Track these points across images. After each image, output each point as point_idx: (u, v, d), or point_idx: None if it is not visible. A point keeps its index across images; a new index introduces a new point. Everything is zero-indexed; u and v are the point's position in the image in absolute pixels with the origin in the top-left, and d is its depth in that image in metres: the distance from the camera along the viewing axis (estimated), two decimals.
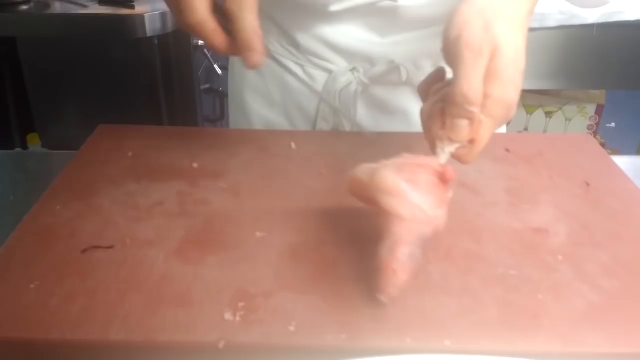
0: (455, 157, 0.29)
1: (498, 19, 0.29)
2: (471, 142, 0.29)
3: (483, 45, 0.28)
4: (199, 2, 0.29)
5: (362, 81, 0.45)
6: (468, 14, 0.29)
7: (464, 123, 0.28)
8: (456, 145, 0.29)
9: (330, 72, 0.46)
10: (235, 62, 0.53)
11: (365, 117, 0.47)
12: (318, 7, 0.42)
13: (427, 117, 0.31)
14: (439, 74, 0.33)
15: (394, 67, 0.43)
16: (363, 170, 0.27)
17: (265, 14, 0.47)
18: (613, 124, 1.16)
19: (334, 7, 0.41)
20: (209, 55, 1.04)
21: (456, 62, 0.28)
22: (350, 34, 0.44)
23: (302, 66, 0.47)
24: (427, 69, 0.44)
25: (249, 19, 0.29)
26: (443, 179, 0.26)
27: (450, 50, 0.29)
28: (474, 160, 0.30)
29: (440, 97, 0.30)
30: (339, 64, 0.45)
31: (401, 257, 0.23)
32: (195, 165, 0.38)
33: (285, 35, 0.46)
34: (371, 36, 0.44)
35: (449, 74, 0.32)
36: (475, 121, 0.28)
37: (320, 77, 0.46)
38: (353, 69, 0.45)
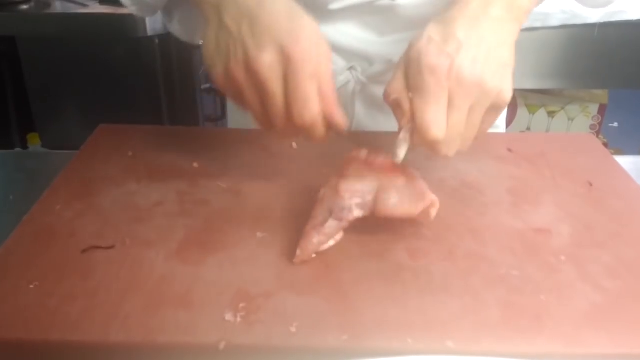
0: (429, 149, 0.30)
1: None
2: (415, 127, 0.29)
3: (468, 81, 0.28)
4: (316, 99, 0.28)
5: (360, 80, 0.45)
6: (432, 37, 0.29)
7: (397, 111, 0.30)
8: (406, 141, 0.30)
9: None
10: None
11: (363, 116, 0.47)
12: (317, 6, 0.42)
13: (391, 92, 0.30)
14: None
15: (392, 66, 0.43)
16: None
17: None
18: (616, 124, 1.15)
19: (333, 6, 0.41)
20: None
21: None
22: (348, 33, 0.44)
23: None
24: None
25: (319, 134, 0.30)
26: (369, 165, 0.29)
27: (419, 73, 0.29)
28: (428, 138, 0.29)
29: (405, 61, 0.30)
30: (337, 63, 0.45)
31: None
32: (195, 165, 0.38)
33: None
34: (369, 35, 0.44)
35: None
36: (403, 104, 0.29)
37: None
38: (351, 68, 0.45)
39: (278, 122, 0.29)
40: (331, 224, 0.28)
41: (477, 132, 0.30)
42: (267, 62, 0.27)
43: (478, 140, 0.31)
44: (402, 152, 0.30)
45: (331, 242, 0.29)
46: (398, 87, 0.30)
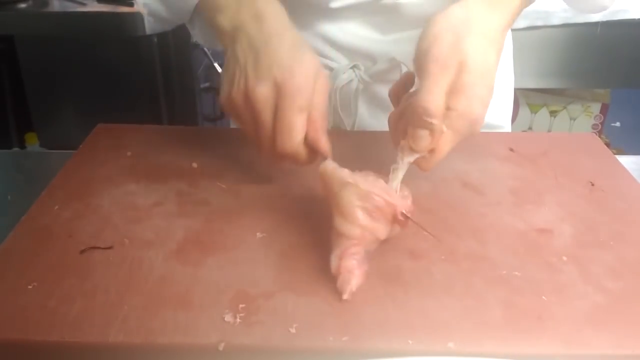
0: (415, 163, 0.31)
1: (470, 34, 0.30)
2: (431, 151, 0.31)
3: (449, 61, 0.29)
4: (299, 130, 0.30)
5: (362, 79, 0.44)
6: (440, 27, 0.30)
7: (424, 133, 0.30)
8: (416, 156, 0.31)
9: (331, 69, 0.45)
10: None
11: (365, 115, 0.47)
12: (319, 4, 0.42)
13: (394, 123, 0.32)
14: (409, 78, 0.34)
15: (395, 65, 0.43)
16: (335, 175, 0.29)
17: None
18: (618, 123, 1.15)
19: (335, 4, 0.41)
20: (208, 53, 1.03)
21: (422, 74, 0.30)
22: (351, 31, 0.44)
23: None
24: None
25: (302, 161, 0.32)
26: (393, 218, 0.28)
27: (419, 62, 0.30)
28: (431, 168, 0.31)
29: (406, 105, 0.31)
30: (340, 62, 0.45)
31: (349, 262, 0.27)
32: (194, 165, 0.37)
33: None
34: (372, 33, 0.44)
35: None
36: (436, 132, 0.29)
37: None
38: (354, 67, 0.45)
39: (264, 148, 0.31)
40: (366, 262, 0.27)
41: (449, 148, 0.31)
42: (262, 94, 0.30)
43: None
44: (397, 182, 0.30)
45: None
46: (440, 113, 0.30)
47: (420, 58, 0.30)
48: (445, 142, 0.30)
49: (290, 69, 0.29)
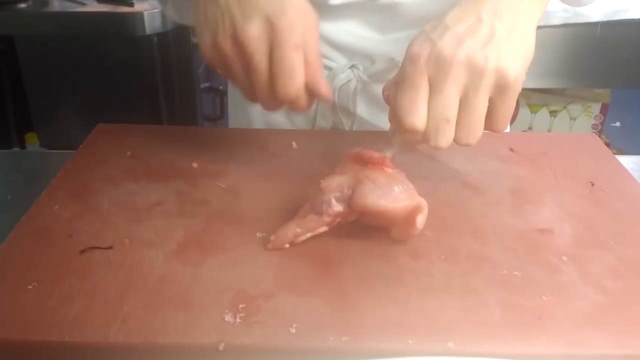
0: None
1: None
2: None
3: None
4: (301, 70, 0.28)
5: (361, 78, 0.44)
6: (434, 31, 0.28)
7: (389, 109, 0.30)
8: (395, 137, 0.30)
9: (329, 69, 0.45)
10: None
11: (364, 115, 0.47)
12: (318, 1, 0.42)
13: (391, 94, 0.30)
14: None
15: (394, 65, 0.43)
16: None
17: None
18: (618, 123, 1.15)
19: (334, 1, 0.41)
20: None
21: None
22: (350, 31, 0.43)
23: None
24: None
25: (303, 106, 0.30)
26: (357, 159, 0.29)
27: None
28: (404, 127, 0.28)
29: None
30: (339, 61, 0.45)
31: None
32: (194, 164, 0.37)
33: None
34: (371, 33, 0.43)
35: None
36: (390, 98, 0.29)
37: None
38: (353, 66, 0.44)
39: (262, 95, 0.29)
40: (311, 217, 0.28)
41: (481, 118, 0.28)
42: (254, 33, 0.27)
43: (495, 129, 0.28)
44: (390, 152, 0.30)
45: (308, 234, 0.28)
46: (390, 83, 0.30)
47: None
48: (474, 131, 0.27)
49: (280, 4, 0.27)
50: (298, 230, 0.28)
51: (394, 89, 0.29)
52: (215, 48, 0.29)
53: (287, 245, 0.29)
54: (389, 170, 0.29)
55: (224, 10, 0.28)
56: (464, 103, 0.28)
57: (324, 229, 0.29)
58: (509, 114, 0.29)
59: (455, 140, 0.29)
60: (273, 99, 0.29)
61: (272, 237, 0.28)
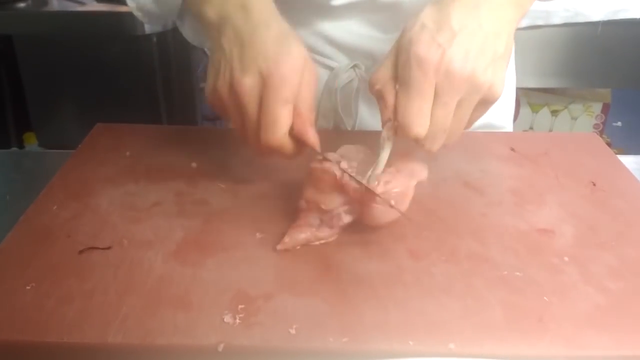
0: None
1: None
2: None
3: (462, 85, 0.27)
4: (283, 123, 0.29)
5: (363, 78, 0.44)
6: (427, 31, 0.28)
7: (380, 104, 0.29)
8: (388, 149, 0.30)
9: (331, 68, 0.45)
10: None
11: (366, 115, 0.46)
12: (320, 1, 0.41)
13: (381, 85, 0.30)
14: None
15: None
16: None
17: None
18: (619, 123, 1.15)
19: (336, 2, 0.41)
20: (208, 53, 1.03)
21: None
22: (351, 30, 0.43)
23: None
24: None
25: (288, 154, 0.31)
26: (343, 189, 0.30)
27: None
28: (409, 135, 0.29)
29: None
30: (340, 61, 0.45)
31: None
32: (194, 164, 0.37)
33: None
34: (373, 32, 0.43)
35: None
36: (387, 98, 0.29)
37: (321, 74, 0.46)
38: (354, 66, 0.44)
39: (251, 140, 0.31)
40: (324, 230, 0.30)
41: (464, 127, 0.30)
42: (248, 85, 0.29)
43: (462, 133, 0.30)
44: (385, 154, 0.30)
45: (321, 241, 0.30)
46: (384, 77, 0.29)
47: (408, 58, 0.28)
48: (404, 101, 0.28)
49: (275, 60, 0.29)
50: (310, 237, 0.29)
51: (390, 84, 0.29)
52: (214, 92, 0.31)
53: (298, 247, 0.29)
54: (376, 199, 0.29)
55: (228, 59, 0.30)
56: (456, 112, 0.29)
57: (334, 237, 0.30)
58: (477, 120, 0.31)
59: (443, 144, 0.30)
60: (260, 146, 0.31)
61: (286, 239, 0.29)
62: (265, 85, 0.29)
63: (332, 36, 0.44)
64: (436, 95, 0.28)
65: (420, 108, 0.28)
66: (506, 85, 0.52)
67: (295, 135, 0.30)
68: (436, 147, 0.29)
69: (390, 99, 0.29)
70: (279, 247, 0.29)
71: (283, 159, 0.32)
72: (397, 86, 0.29)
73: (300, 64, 0.30)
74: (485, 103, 0.29)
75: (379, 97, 0.30)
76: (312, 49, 0.45)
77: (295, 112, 0.30)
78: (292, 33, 0.31)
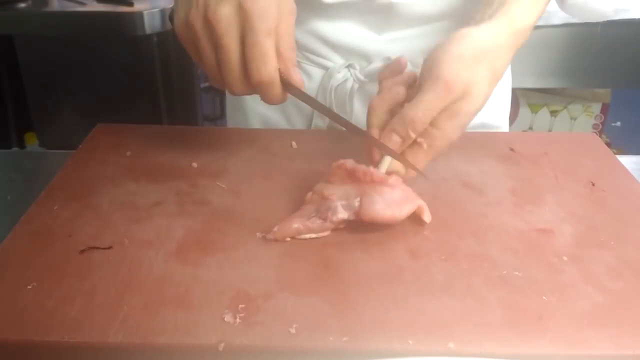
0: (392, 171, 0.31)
1: (485, 65, 0.30)
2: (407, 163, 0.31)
3: (458, 86, 0.29)
4: (272, 58, 0.28)
5: (358, 78, 0.44)
6: (465, 48, 0.30)
7: (396, 139, 0.30)
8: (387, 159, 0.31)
9: (326, 68, 0.45)
10: None
11: (361, 114, 0.46)
12: (313, 0, 0.41)
13: (373, 109, 0.32)
14: (400, 64, 0.34)
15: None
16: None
17: None
18: (618, 123, 1.15)
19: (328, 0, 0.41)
20: None
21: (427, 86, 0.29)
22: (346, 31, 0.43)
23: (298, 62, 0.46)
24: None
25: (277, 94, 0.29)
26: (353, 174, 0.30)
27: (429, 71, 0.30)
28: (407, 178, 0.31)
29: (392, 96, 0.31)
30: (335, 61, 0.45)
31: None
32: (194, 164, 0.37)
33: None
34: (367, 33, 0.43)
35: (411, 67, 0.33)
36: (406, 142, 0.30)
37: (316, 74, 0.46)
38: (349, 66, 0.44)
39: (231, 78, 0.28)
40: (315, 221, 0.29)
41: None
42: (224, 14, 0.27)
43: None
44: (384, 168, 0.31)
45: (311, 235, 0.29)
46: (400, 83, 0.31)
47: (432, 69, 0.29)
48: (422, 156, 0.31)
49: None
50: (301, 227, 0.29)
51: (405, 93, 0.30)
52: (186, 25, 0.28)
53: (287, 239, 0.29)
54: (388, 183, 0.30)
55: None
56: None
57: (326, 233, 0.30)
58: None
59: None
60: (245, 83, 0.28)
61: (275, 228, 0.29)
62: (245, 15, 0.27)
63: (327, 36, 0.44)
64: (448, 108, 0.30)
65: (428, 105, 0.29)
66: (502, 85, 0.52)
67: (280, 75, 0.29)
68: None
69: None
70: (269, 236, 0.29)
71: (268, 99, 0.29)
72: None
73: None
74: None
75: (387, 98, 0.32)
76: (307, 48, 0.45)
77: (277, 51, 0.28)
78: None
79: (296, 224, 0.29)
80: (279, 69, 0.29)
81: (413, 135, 0.29)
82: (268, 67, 0.28)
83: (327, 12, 0.42)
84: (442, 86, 0.29)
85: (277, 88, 0.29)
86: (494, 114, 0.49)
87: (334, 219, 0.29)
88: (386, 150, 0.31)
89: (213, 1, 0.27)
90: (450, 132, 0.30)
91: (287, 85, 0.29)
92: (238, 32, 0.27)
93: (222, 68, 0.28)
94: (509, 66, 0.50)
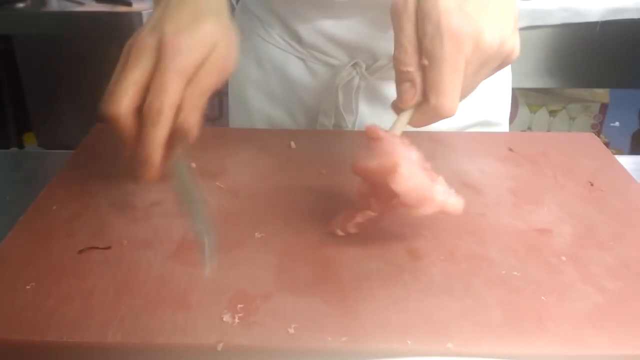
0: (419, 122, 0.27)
1: (490, 4, 0.26)
2: (426, 100, 0.26)
3: (466, 40, 0.25)
4: (174, 92, 0.27)
5: (364, 76, 0.44)
6: None
7: (405, 86, 0.26)
8: (408, 113, 0.27)
9: (332, 66, 0.45)
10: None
11: (366, 112, 0.46)
12: None
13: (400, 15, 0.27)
14: None
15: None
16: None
17: (268, 7, 0.46)
18: (617, 123, 1.15)
19: None
20: None
21: (393, 25, 0.26)
22: (352, 28, 0.43)
23: (304, 60, 0.46)
24: None
25: (158, 136, 0.27)
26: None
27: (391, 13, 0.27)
28: (440, 115, 0.26)
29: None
30: (341, 59, 0.45)
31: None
32: (194, 165, 0.37)
33: (288, 28, 0.46)
34: (373, 30, 0.43)
35: None
36: (416, 80, 0.26)
37: (322, 72, 0.46)
38: (355, 64, 0.44)
39: (122, 93, 0.27)
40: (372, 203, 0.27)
41: (476, 87, 0.28)
42: (147, 43, 0.27)
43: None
44: (400, 130, 0.28)
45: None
46: (411, 56, 0.26)
47: (427, 24, 0.25)
48: (437, 74, 0.25)
49: (179, 29, 0.27)
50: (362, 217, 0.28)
51: (419, 66, 0.26)
52: (128, 43, 0.29)
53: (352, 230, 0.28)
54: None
55: (151, 16, 0.29)
56: (474, 77, 0.27)
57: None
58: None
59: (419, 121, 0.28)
60: (134, 107, 0.28)
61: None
62: (162, 50, 0.27)
63: (334, 34, 0.44)
64: (467, 66, 0.26)
65: (454, 85, 0.25)
66: (502, 82, 0.52)
67: (176, 124, 0.27)
68: (453, 113, 0.26)
69: (420, 81, 0.26)
70: (338, 231, 0.28)
71: (146, 145, 0.27)
72: (424, 62, 0.25)
73: (207, 43, 0.27)
74: (502, 66, 0.28)
75: (407, 80, 0.26)
76: (313, 47, 0.45)
77: (185, 95, 0.27)
78: (222, 15, 0.29)
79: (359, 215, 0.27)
80: (180, 114, 0.27)
81: (409, 69, 0.26)
82: (162, 99, 0.27)
83: (335, 10, 0.42)
84: (451, 45, 0.25)
85: (163, 128, 0.27)
86: (495, 111, 0.49)
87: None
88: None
89: (146, 30, 0.28)
90: (433, 30, 0.25)
91: (181, 133, 0.28)
92: (150, 63, 0.27)
93: (118, 83, 0.28)
94: (509, 65, 0.50)
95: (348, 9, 0.42)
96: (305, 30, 0.44)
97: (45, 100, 0.95)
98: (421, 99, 0.27)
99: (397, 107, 0.28)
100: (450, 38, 0.25)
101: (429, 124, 0.28)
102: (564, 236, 0.31)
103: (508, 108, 0.51)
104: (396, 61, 0.26)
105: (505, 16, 0.27)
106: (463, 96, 0.27)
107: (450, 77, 0.26)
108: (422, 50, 0.26)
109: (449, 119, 0.27)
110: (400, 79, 0.27)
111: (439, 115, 0.26)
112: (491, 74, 0.29)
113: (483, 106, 0.48)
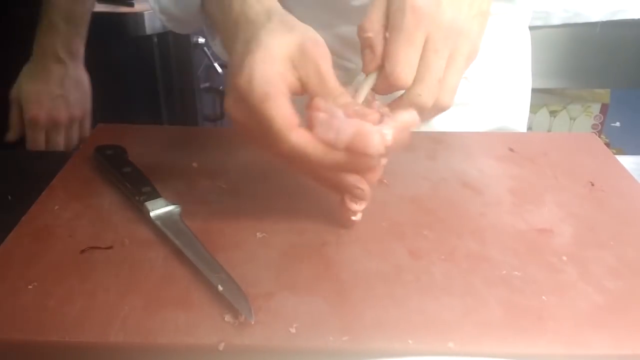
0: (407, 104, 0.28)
1: None
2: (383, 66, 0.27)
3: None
4: (288, 129, 0.26)
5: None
6: None
7: (365, 52, 0.28)
8: (371, 79, 0.28)
9: (347, 69, 0.45)
10: None
11: None
12: (341, 2, 0.41)
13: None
14: None
15: None
16: None
17: (285, 10, 0.46)
18: (618, 123, 1.16)
19: (356, 2, 0.41)
20: (208, 53, 1.03)
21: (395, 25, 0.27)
22: None
23: None
24: None
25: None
26: None
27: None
28: (396, 85, 0.27)
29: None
30: (357, 62, 0.45)
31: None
32: (194, 165, 0.37)
33: None
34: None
35: None
36: (376, 46, 0.27)
37: (337, 75, 0.46)
38: None
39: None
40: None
41: (458, 82, 0.28)
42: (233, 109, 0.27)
43: (455, 93, 0.28)
44: (363, 94, 0.29)
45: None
46: (375, 24, 0.28)
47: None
48: (397, 48, 0.26)
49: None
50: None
51: (381, 33, 0.27)
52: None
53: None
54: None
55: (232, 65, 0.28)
56: (449, 63, 0.28)
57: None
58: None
59: (436, 102, 0.28)
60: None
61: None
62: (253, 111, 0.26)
63: (350, 38, 0.44)
64: (428, 43, 0.27)
65: (408, 55, 0.27)
66: (521, 88, 0.51)
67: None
68: (431, 101, 0.27)
69: (379, 47, 0.27)
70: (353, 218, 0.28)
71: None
72: (387, 34, 0.27)
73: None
74: (471, 55, 0.28)
75: (367, 45, 0.28)
76: (330, 51, 0.45)
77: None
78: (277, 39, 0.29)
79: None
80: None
81: (368, 34, 0.27)
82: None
83: (352, 14, 0.42)
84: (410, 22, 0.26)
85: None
86: (514, 117, 0.49)
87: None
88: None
89: (229, 94, 0.28)
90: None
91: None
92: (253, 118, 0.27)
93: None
94: (529, 67, 0.49)
95: (363, 13, 0.42)
96: (322, 35, 0.45)
97: None
98: (382, 64, 0.28)
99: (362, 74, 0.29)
100: (411, 11, 0.27)
101: (389, 92, 0.28)
102: (565, 236, 0.31)
103: (527, 114, 0.51)
104: (359, 29, 0.28)
105: (472, 4, 0.28)
106: (448, 88, 0.28)
107: (405, 48, 0.27)
108: (387, 24, 0.27)
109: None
110: (362, 45, 0.28)
111: (395, 84, 0.27)
112: (465, 63, 0.29)
113: (502, 112, 0.48)
